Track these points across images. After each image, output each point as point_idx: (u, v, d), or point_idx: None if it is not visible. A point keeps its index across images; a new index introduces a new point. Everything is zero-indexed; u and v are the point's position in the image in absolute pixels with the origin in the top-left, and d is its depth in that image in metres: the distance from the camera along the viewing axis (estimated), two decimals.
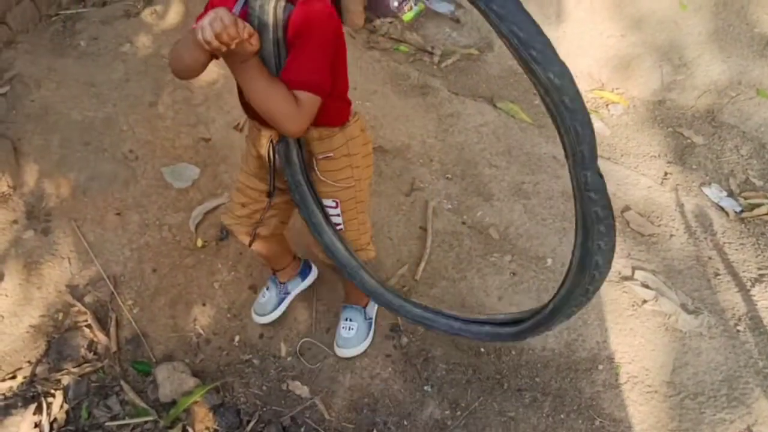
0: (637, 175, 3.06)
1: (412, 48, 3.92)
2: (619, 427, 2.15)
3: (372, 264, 2.12)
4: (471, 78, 3.74)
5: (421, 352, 2.33)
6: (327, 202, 1.86)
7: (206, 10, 1.54)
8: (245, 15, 1.49)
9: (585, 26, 3.80)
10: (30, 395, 2.19)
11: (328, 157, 1.78)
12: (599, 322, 2.39)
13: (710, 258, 2.68)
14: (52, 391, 2.20)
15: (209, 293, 2.46)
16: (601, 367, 2.28)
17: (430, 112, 3.31)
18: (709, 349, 2.33)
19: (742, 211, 2.92)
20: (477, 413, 2.18)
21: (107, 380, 2.25)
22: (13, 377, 2.24)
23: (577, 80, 1.09)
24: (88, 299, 2.38)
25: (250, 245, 2.03)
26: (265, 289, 2.37)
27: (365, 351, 2.30)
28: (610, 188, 2.84)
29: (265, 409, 2.20)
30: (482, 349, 2.34)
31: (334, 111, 1.72)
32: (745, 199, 3.00)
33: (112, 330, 2.33)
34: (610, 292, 2.48)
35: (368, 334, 2.32)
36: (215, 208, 2.68)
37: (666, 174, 3.11)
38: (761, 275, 2.60)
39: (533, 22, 1.03)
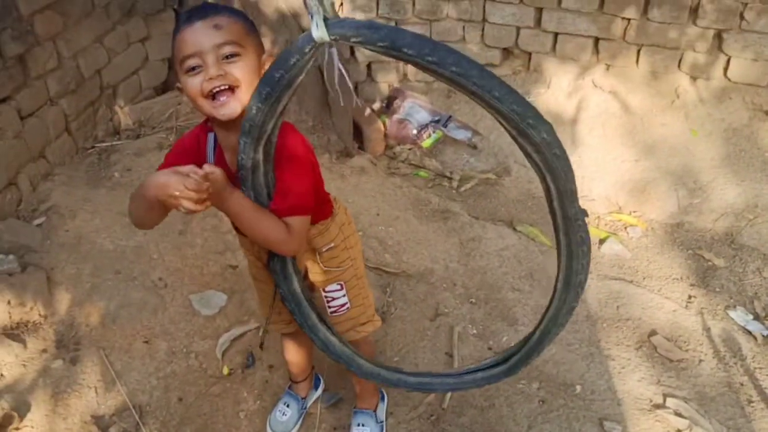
0: (661, 298, 3.06)
1: (432, 173, 4.05)
2: None
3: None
4: (490, 202, 3.83)
5: None
6: (332, 287, 1.92)
7: (166, 163, 1.59)
8: (221, 157, 1.60)
9: (599, 152, 3.92)
10: None
11: (330, 248, 1.85)
12: None
13: (742, 384, 2.63)
14: None
15: (235, 423, 2.42)
16: None
17: (451, 237, 3.37)
18: None
19: None
20: None
21: None
22: None
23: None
24: (113, 431, 2.36)
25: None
26: (284, 405, 2.36)
27: None
28: (636, 312, 2.90)
29: None
30: None
31: (322, 210, 1.82)
32: None
33: None
34: (642, 421, 2.42)
35: None
36: (242, 335, 2.69)
37: (690, 297, 3.10)
38: None
39: (522, 97, 1.22)
